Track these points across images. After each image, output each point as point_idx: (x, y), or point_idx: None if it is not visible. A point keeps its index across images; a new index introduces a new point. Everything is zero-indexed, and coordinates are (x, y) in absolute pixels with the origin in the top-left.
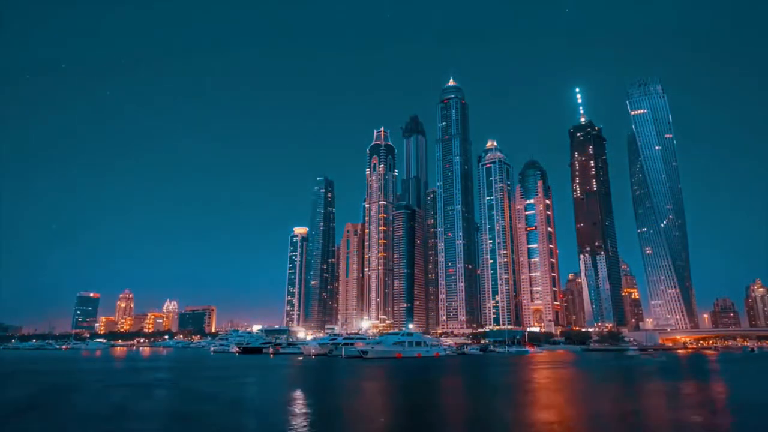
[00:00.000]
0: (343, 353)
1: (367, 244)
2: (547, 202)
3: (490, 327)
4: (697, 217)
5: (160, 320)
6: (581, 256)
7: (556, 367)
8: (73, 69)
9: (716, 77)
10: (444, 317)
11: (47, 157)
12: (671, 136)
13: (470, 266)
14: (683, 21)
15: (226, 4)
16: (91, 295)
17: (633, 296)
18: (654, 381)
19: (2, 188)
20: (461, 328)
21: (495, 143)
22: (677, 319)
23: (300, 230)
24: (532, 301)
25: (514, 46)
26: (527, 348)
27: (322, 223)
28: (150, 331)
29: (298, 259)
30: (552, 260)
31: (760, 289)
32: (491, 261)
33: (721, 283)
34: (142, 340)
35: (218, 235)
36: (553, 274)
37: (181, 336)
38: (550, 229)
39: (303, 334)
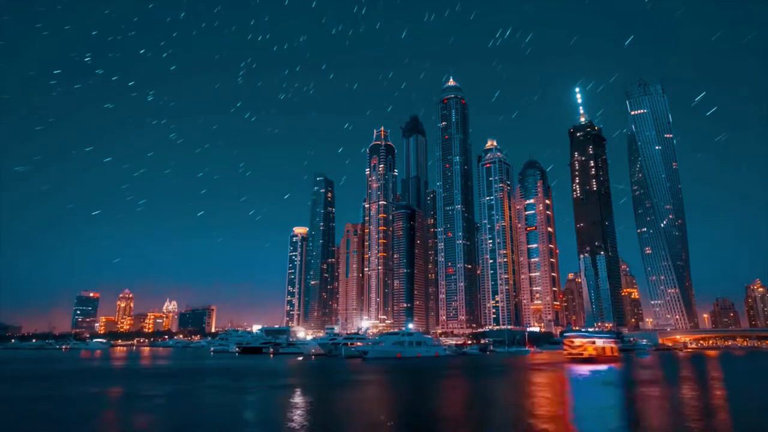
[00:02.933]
0: (343, 353)
1: (367, 244)
2: (547, 202)
3: (490, 327)
4: (697, 217)
5: (160, 320)
6: (581, 256)
7: (552, 366)
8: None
9: (717, 77)
10: (444, 317)
11: (47, 158)
12: (671, 136)
13: (470, 266)
14: (683, 20)
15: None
16: (91, 295)
17: (633, 296)
18: None
19: (2, 188)
20: (461, 328)
21: (495, 143)
22: (677, 319)
23: (300, 230)
24: (532, 301)
25: (514, 45)
26: (527, 348)
27: (322, 223)
28: (150, 331)
29: (298, 259)
30: (552, 260)
31: (760, 289)
32: (491, 261)
33: (721, 283)
34: (142, 340)
35: (218, 235)
36: (553, 274)
37: (181, 336)
38: (550, 229)
39: (303, 333)
